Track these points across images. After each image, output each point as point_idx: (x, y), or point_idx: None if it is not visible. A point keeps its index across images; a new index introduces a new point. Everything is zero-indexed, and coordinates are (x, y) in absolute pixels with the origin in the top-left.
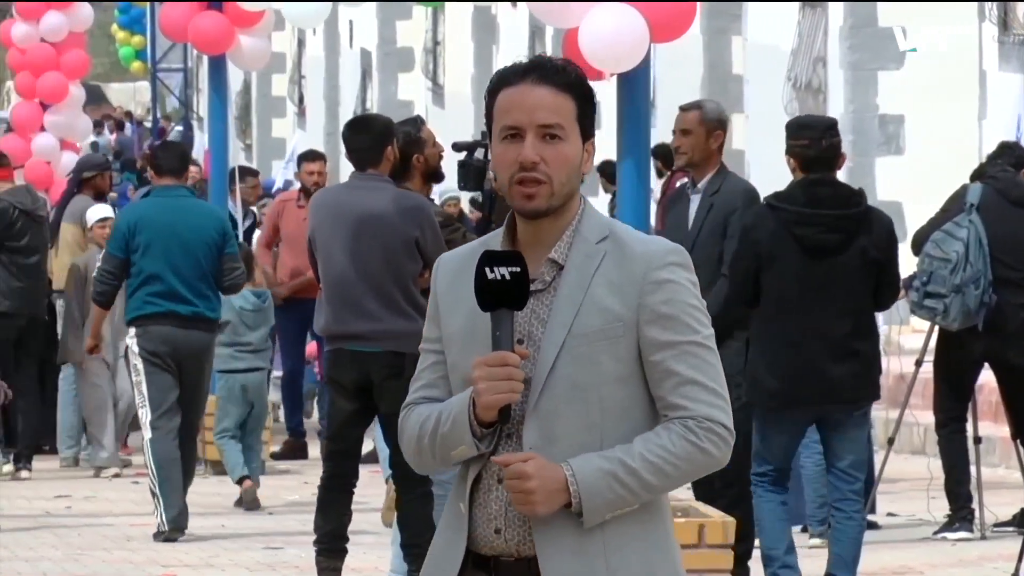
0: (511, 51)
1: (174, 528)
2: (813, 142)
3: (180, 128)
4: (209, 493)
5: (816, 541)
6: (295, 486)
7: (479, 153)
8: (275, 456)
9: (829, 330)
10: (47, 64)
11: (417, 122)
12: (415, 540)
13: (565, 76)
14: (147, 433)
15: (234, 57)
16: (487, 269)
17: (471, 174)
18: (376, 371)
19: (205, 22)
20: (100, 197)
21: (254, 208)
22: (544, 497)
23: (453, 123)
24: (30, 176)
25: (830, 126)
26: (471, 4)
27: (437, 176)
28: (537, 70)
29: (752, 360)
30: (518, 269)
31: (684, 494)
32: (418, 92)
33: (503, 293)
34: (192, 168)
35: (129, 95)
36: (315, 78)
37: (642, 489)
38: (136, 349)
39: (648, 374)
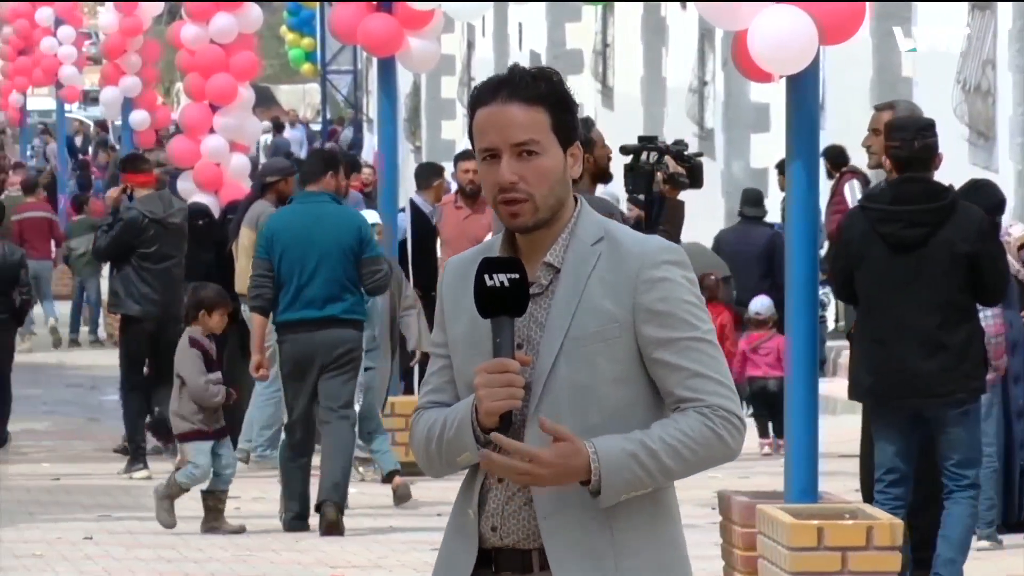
0: (680, 53)
1: (290, 530)
2: (905, 143)
3: (351, 130)
4: (378, 494)
5: (984, 544)
6: None
7: (646, 156)
8: None
9: (917, 325)
10: (216, 66)
11: (587, 123)
12: None
13: (535, 89)
14: (283, 434)
15: (403, 59)
16: (486, 276)
17: (639, 177)
18: None
19: (375, 24)
20: (282, 202)
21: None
22: (554, 481)
23: (622, 125)
24: (199, 178)
25: (923, 127)
26: (640, 5)
27: (605, 177)
28: (508, 85)
29: (852, 358)
30: (517, 276)
31: (854, 496)
32: (587, 94)
33: (502, 300)
34: (365, 170)
35: (298, 97)
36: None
37: (660, 472)
38: (278, 354)
39: (653, 373)
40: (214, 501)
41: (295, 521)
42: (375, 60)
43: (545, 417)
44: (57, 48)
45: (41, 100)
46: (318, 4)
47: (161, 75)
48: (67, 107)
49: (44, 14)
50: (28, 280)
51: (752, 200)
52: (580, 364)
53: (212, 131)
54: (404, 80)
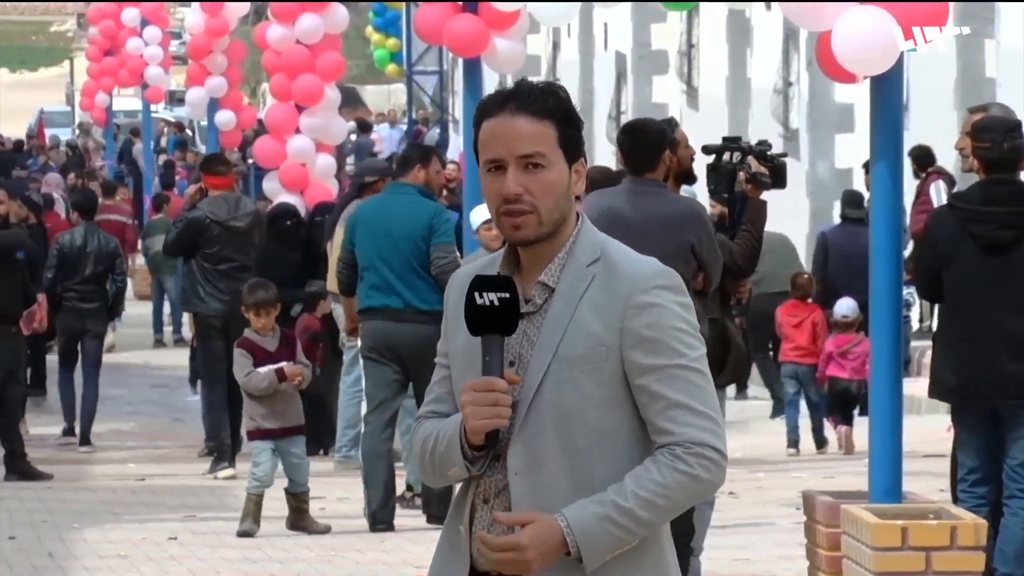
0: (765, 54)
1: (375, 522)
2: (994, 144)
3: (436, 130)
4: None
5: None
6: None
7: (729, 156)
8: None
9: (1006, 326)
10: (302, 66)
11: (671, 124)
12: (684, 539)
13: (543, 103)
14: (361, 426)
15: (489, 60)
16: (476, 295)
17: (721, 177)
18: None
19: (460, 24)
20: None
21: None
22: (543, 561)
23: (707, 125)
24: (285, 178)
25: (1011, 128)
26: (725, 6)
27: (689, 177)
28: (515, 98)
29: (934, 357)
30: (507, 295)
31: (939, 496)
32: (672, 94)
33: (493, 318)
34: (449, 167)
35: (384, 97)
36: (570, 81)
37: (638, 527)
38: (359, 343)
39: (636, 398)
40: (296, 501)
41: (381, 512)
42: (460, 61)
43: (525, 441)
44: (143, 48)
45: (127, 100)
46: (404, 5)
47: (247, 75)
48: (153, 107)
49: (130, 15)
50: (124, 269)
51: (853, 202)
52: (566, 386)
53: (298, 131)
54: (490, 80)
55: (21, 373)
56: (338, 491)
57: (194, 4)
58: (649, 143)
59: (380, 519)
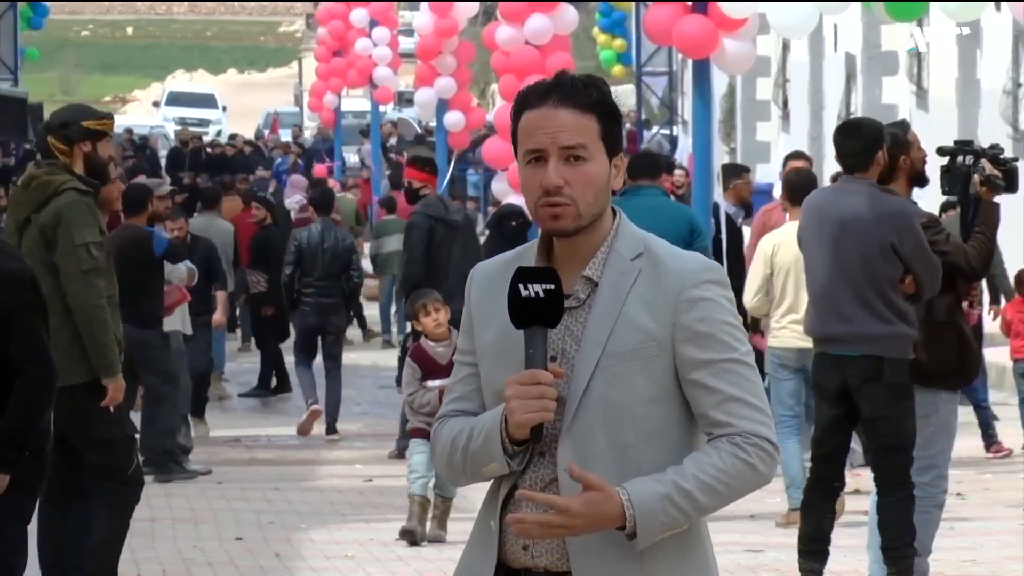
0: (994, 55)
1: None
2: None
3: (664, 131)
4: None
5: None
6: (779, 489)
7: (962, 158)
8: None
9: None
10: (531, 67)
11: (904, 125)
12: (895, 543)
13: (587, 96)
14: None
15: (718, 60)
16: (521, 286)
17: (955, 179)
18: (853, 375)
19: (690, 25)
20: None
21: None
22: (587, 531)
23: (937, 127)
24: (514, 179)
25: None
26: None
27: (922, 180)
28: (558, 90)
29: None
30: (552, 287)
31: None
32: (902, 96)
33: (537, 310)
34: (677, 172)
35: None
36: (799, 82)
37: (694, 510)
38: None
39: (687, 393)
40: (443, 506)
41: None
42: (690, 62)
43: (574, 437)
44: (371, 49)
45: (355, 101)
46: (632, 5)
47: (476, 76)
48: (381, 108)
49: (359, 15)
50: (359, 265)
51: None
52: (616, 381)
53: None
54: (719, 81)
55: (164, 368)
56: None
57: (423, 5)
58: (861, 143)
59: None
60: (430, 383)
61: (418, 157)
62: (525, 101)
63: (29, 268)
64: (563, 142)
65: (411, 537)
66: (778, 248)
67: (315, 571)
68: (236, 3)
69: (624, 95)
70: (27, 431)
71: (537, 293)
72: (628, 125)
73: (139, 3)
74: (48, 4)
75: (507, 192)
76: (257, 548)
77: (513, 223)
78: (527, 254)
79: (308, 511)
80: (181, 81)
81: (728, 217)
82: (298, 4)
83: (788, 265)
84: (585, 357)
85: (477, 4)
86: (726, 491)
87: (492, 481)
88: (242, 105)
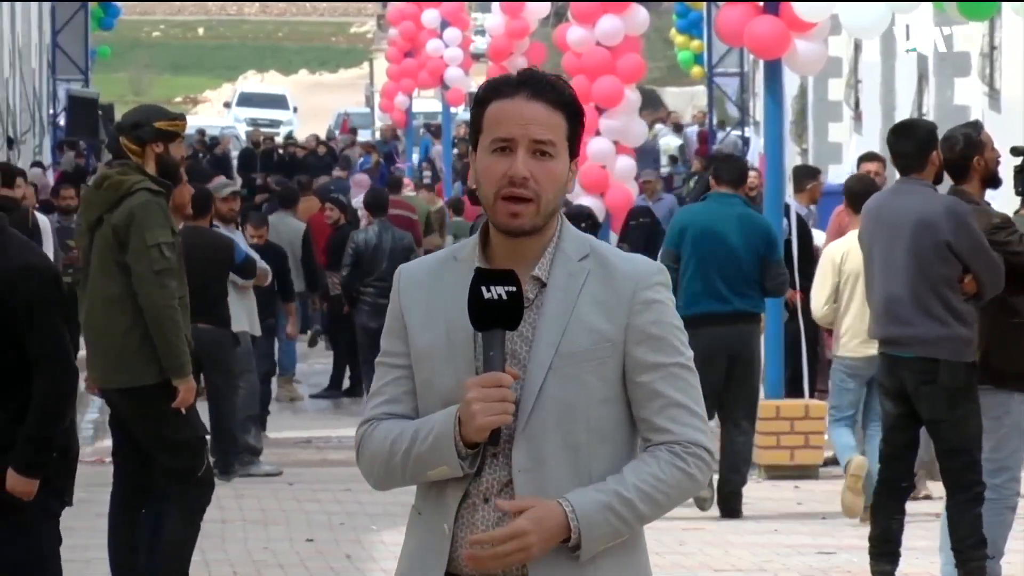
0: None
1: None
2: None
3: (737, 133)
4: (761, 498)
5: None
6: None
7: None
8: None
9: None
10: (602, 68)
11: (977, 125)
12: (963, 545)
13: (558, 94)
14: None
15: (790, 61)
16: (483, 288)
17: None
18: (909, 377)
19: (761, 26)
20: None
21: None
22: (543, 547)
23: (1009, 128)
24: (585, 180)
25: None
26: None
27: (995, 181)
28: (530, 85)
29: None
30: (514, 289)
31: None
32: (974, 97)
33: (498, 312)
34: (751, 173)
35: (685, 99)
36: (871, 82)
37: (635, 519)
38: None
39: (632, 395)
40: None
41: (703, 502)
42: (761, 62)
43: (529, 439)
44: (443, 50)
45: (427, 102)
46: (704, 6)
47: None
48: (452, 109)
49: (430, 16)
50: None
51: None
52: (569, 382)
53: (598, 133)
54: (791, 82)
55: (228, 368)
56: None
57: (494, 6)
58: (915, 144)
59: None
60: None
61: None
62: (495, 91)
63: (54, 266)
64: (534, 135)
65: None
66: (846, 256)
67: (386, 572)
68: (307, 3)
69: (696, 96)
70: (52, 432)
71: (500, 295)
72: (700, 126)
73: (210, 3)
74: (119, 4)
75: (578, 193)
76: (327, 549)
77: (583, 224)
78: (461, 254)
79: (379, 512)
80: (252, 82)
81: (799, 218)
82: (369, 5)
83: (856, 272)
84: (538, 358)
85: (548, 5)
86: (665, 500)
87: (433, 485)
88: (313, 106)
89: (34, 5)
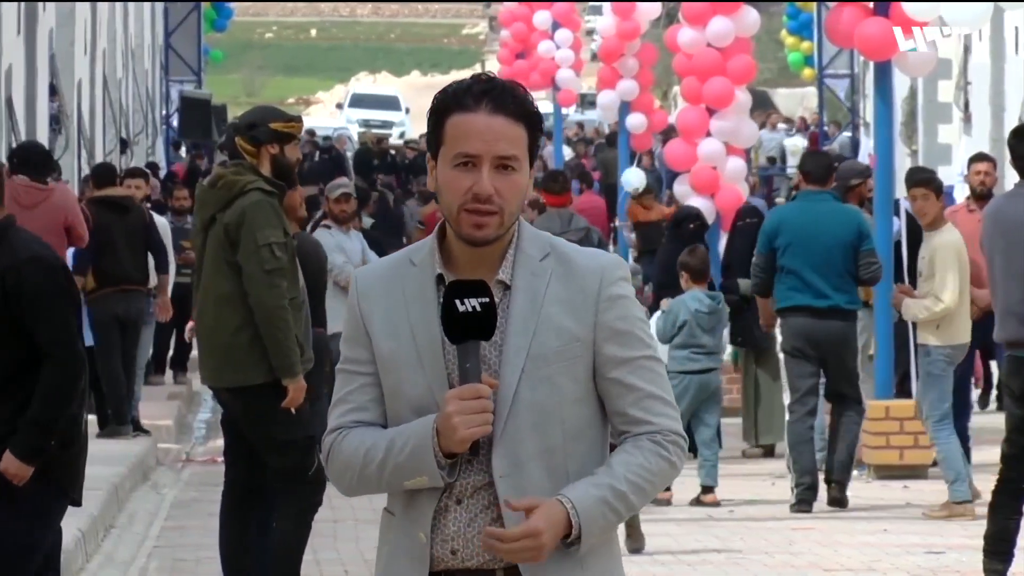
0: None
1: (799, 501)
2: None
3: (848, 134)
4: (871, 498)
5: None
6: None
7: None
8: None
9: None
10: (713, 69)
11: None
12: None
13: (519, 104)
14: (786, 415)
15: (900, 63)
16: (457, 301)
17: None
18: None
19: (871, 28)
20: (861, 204)
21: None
22: (551, 545)
23: None
24: (695, 181)
25: None
26: None
27: None
28: (490, 96)
29: None
30: (487, 300)
31: None
32: None
33: (471, 324)
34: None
35: (796, 101)
36: (981, 84)
37: (627, 511)
38: (779, 338)
39: (604, 391)
40: (629, 521)
41: (806, 492)
42: (871, 64)
43: (507, 443)
44: (554, 51)
45: (538, 103)
46: (815, 7)
47: (658, 79)
48: (564, 110)
49: (541, 18)
50: None
51: None
52: (542, 384)
53: (708, 134)
54: (901, 84)
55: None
56: (747, 493)
57: (606, 7)
58: None
59: (804, 499)
60: None
61: (550, 177)
62: (456, 101)
63: (61, 258)
64: (499, 151)
65: (637, 552)
66: (961, 253)
67: None
68: (420, 5)
69: (807, 98)
70: (54, 418)
71: (474, 307)
72: (812, 128)
73: (323, 4)
74: (232, 5)
75: (688, 194)
76: None
77: (691, 225)
78: (417, 258)
79: None
80: (364, 83)
81: (910, 216)
82: (480, 6)
83: (965, 264)
84: (510, 363)
85: (659, 6)
86: (651, 489)
87: (404, 493)
88: (424, 107)
89: (147, 6)
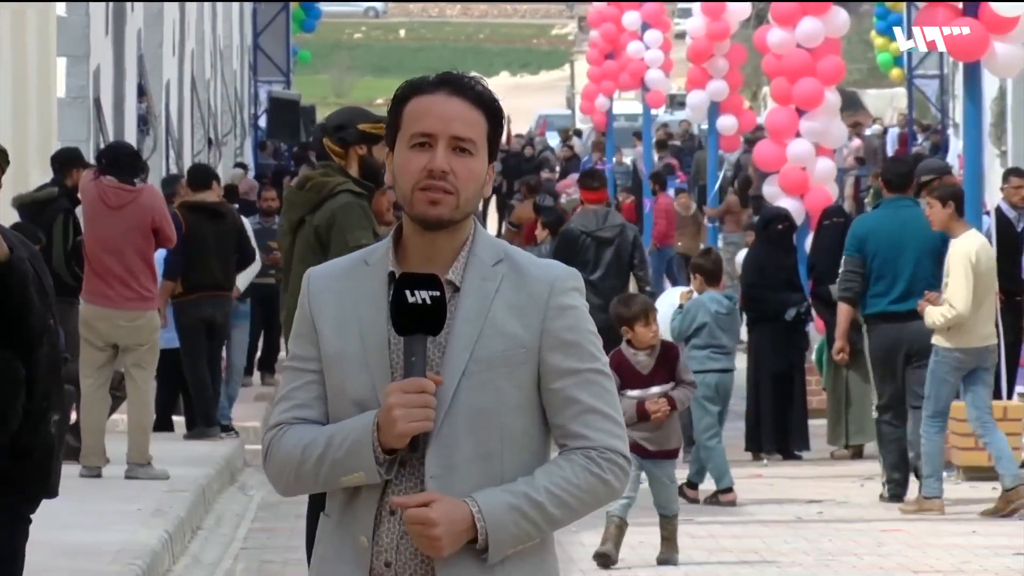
0: None
1: (890, 496)
2: None
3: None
4: (960, 499)
5: None
6: None
7: None
8: None
9: None
10: (802, 70)
11: None
12: None
13: (479, 93)
14: (874, 414)
15: (989, 63)
16: (408, 292)
17: None
18: None
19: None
20: None
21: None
22: (450, 540)
23: None
24: (784, 182)
25: None
26: None
27: None
28: (451, 83)
29: None
30: (438, 293)
31: None
32: None
33: (419, 317)
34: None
35: (885, 101)
36: None
37: (546, 523)
38: (868, 344)
39: (547, 401)
40: (669, 528)
41: (897, 487)
42: (960, 65)
43: (441, 445)
44: (643, 52)
45: (627, 104)
46: (904, 7)
47: (747, 79)
48: (652, 111)
49: (631, 18)
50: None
51: None
52: (484, 388)
53: (798, 135)
54: (990, 84)
55: None
56: (837, 495)
57: (695, 7)
58: None
59: (895, 494)
60: (630, 392)
61: (588, 175)
62: (415, 88)
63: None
64: (455, 131)
65: (605, 561)
66: (979, 257)
67: (583, 574)
68: (508, 5)
69: (896, 98)
70: None
71: (424, 300)
72: (899, 128)
73: (412, 5)
74: (320, 6)
75: (778, 195)
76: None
77: (779, 226)
78: (372, 258)
79: None
80: None
81: (1003, 219)
82: (569, 6)
83: (984, 269)
84: (452, 363)
85: (750, 6)
86: (578, 505)
87: (343, 493)
88: (513, 108)
89: (236, 6)
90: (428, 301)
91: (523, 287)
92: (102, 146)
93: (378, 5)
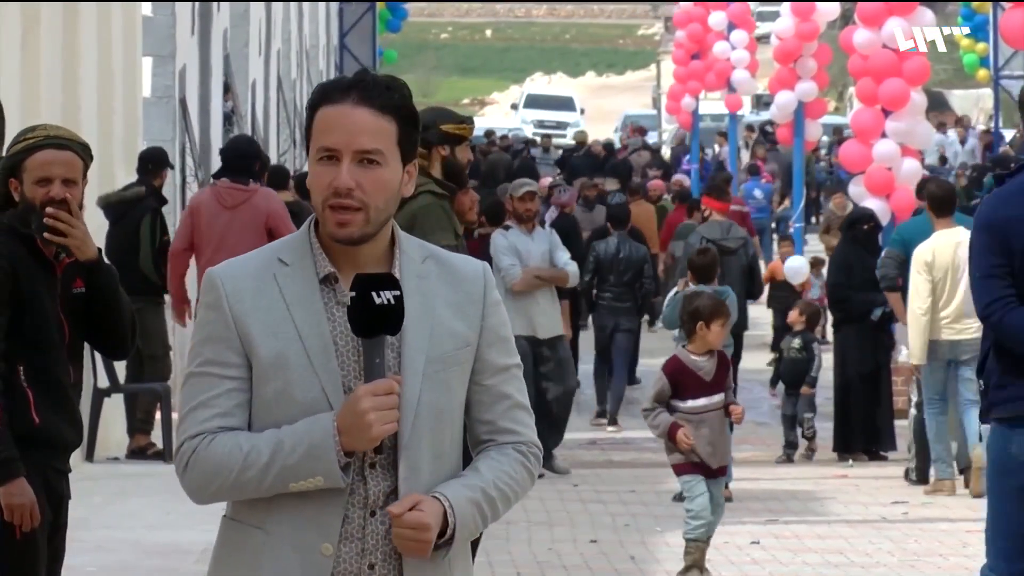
0: None
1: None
2: None
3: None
4: None
5: None
6: None
7: None
8: None
9: None
10: (888, 70)
11: None
12: None
13: (388, 97)
14: (912, 411)
15: None
16: (374, 294)
17: None
18: None
19: None
20: None
21: None
22: (434, 540)
23: None
24: (870, 183)
25: None
26: None
27: None
28: (359, 88)
29: None
30: (399, 293)
31: None
32: None
33: (379, 318)
34: None
35: (971, 102)
36: None
37: (492, 516)
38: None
39: (475, 397)
40: (694, 555)
41: (917, 471)
42: None
43: (410, 447)
44: (729, 52)
45: (713, 104)
46: (990, 8)
47: (833, 80)
48: (738, 112)
49: (717, 18)
50: (651, 273)
51: None
52: (440, 387)
53: (883, 136)
54: None
55: None
56: (921, 496)
57: (783, 7)
58: None
59: (920, 478)
60: (691, 402)
61: (711, 187)
62: (324, 96)
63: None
64: (359, 145)
65: None
66: (935, 255)
67: (668, 574)
68: (595, 5)
69: (982, 99)
70: None
71: (389, 300)
72: (981, 126)
73: (498, 5)
74: (406, 6)
75: (863, 195)
76: (612, 551)
77: (865, 226)
78: (288, 258)
79: (664, 514)
80: (539, 84)
81: None
82: (655, 6)
83: (946, 268)
84: (411, 365)
85: (838, 7)
86: (514, 499)
87: (281, 500)
88: (599, 108)
89: (322, 6)
90: (392, 302)
91: (456, 283)
92: (187, 146)
93: None
